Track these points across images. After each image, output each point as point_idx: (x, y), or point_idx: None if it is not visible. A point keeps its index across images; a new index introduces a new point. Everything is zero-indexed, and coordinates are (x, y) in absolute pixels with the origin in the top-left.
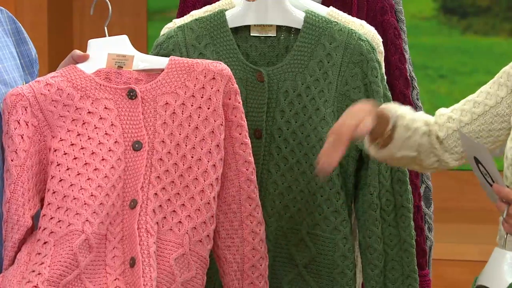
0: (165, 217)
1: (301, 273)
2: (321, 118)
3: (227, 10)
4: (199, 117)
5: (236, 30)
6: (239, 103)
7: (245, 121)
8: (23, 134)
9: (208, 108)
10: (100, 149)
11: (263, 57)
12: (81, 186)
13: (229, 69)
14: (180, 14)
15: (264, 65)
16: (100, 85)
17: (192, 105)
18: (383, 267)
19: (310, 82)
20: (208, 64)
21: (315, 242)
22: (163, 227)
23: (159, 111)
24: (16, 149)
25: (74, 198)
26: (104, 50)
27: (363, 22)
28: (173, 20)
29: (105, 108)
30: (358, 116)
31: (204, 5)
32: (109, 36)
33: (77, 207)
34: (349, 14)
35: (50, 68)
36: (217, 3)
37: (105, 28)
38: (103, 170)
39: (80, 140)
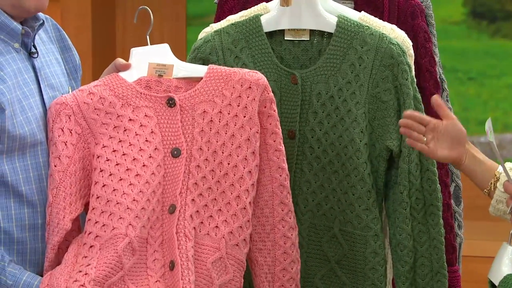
0: (202, 222)
1: (333, 269)
2: (353, 119)
3: (262, 15)
4: (235, 125)
5: (270, 34)
6: (274, 111)
7: (280, 129)
8: (66, 141)
9: (244, 117)
10: (141, 156)
11: (297, 60)
12: (123, 191)
13: (265, 78)
14: (218, 19)
15: (297, 68)
16: (141, 93)
17: (229, 113)
18: (413, 263)
19: (342, 85)
20: (245, 74)
21: (347, 239)
22: (200, 231)
23: (197, 119)
24: (59, 155)
25: (117, 203)
26: (146, 59)
27: (394, 27)
28: (211, 25)
29: (146, 115)
30: None
31: (241, 11)
32: (150, 42)
33: (120, 211)
34: (380, 18)
35: (94, 72)
36: (252, 8)
37: (147, 36)
38: (144, 176)
39: (122, 147)
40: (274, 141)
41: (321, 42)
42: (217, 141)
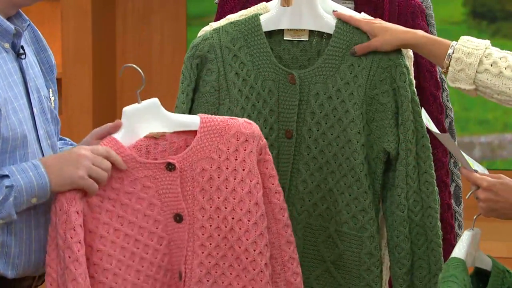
0: (215, 282)
1: (329, 269)
2: (350, 120)
3: (261, 14)
4: (235, 179)
5: (270, 33)
6: (269, 155)
7: (276, 172)
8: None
9: (243, 170)
10: (142, 235)
11: (295, 60)
12: (126, 278)
13: (258, 127)
14: (218, 19)
15: (296, 68)
16: (140, 163)
17: (227, 168)
18: (410, 265)
19: (341, 85)
20: (240, 127)
21: (342, 240)
22: None
23: (196, 178)
24: (74, 243)
25: None
26: (138, 118)
27: None
28: (210, 23)
29: (144, 186)
30: None
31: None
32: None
33: None
34: (381, 18)
35: (94, 72)
36: (252, 7)
37: (138, 94)
38: (147, 258)
39: (122, 225)
40: (273, 184)
41: (320, 42)
42: (218, 198)
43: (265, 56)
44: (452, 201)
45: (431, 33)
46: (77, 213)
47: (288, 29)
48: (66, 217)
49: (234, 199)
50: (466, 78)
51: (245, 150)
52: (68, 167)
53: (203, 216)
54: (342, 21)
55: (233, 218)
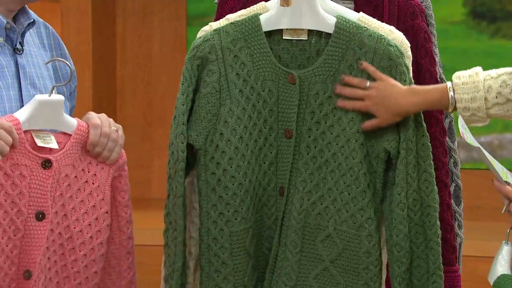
0: (58, 282)
1: (327, 268)
2: (350, 119)
3: (261, 14)
4: (85, 191)
5: (269, 33)
6: (124, 171)
7: (128, 186)
8: None
9: (93, 183)
10: (3, 219)
11: (295, 59)
12: None
13: (125, 157)
14: (218, 19)
15: (295, 68)
16: (26, 150)
17: (81, 179)
18: (409, 264)
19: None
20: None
21: (341, 239)
22: None
23: (60, 182)
24: None
25: None
26: (41, 109)
27: (392, 28)
28: (210, 23)
29: (20, 174)
30: None
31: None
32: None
33: None
34: (380, 18)
35: (94, 73)
36: (251, 7)
37: (51, 88)
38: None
39: None
40: (123, 198)
41: (319, 42)
42: (68, 205)
43: (265, 56)
44: (452, 201)
45: (431, 33)
46: None
47: (287, 29)
48: None
49: (80, 209)
50: (479, 119)
51: (97, 164)
52: None
53: (54, 220)
54: (341, 21)
55: (74, 228)
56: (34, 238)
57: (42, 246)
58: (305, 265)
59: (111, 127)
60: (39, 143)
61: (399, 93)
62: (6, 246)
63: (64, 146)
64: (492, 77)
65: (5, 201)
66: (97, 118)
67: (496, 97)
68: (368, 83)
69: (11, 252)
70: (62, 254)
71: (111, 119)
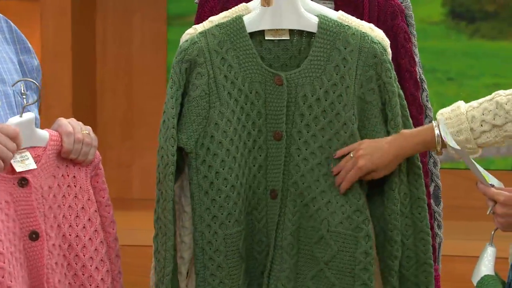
0: None
1: (323, 270)
2: (343, 123)
3: (244, 15)
4: (69, 196)
5: (251, 34)
6: (100, 169)
7: (106, 185)
8: None
9: (75, 186)
10: (4, 248)
11: (277, 59)
12: None
13: (100, 157)
14: (198, 19)
15: (278, 68)
16: (1, 177)
17: (63, 185)
18: (400, 257)
19: (328, 87)
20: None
21: (336, 240)
22: None
23: (45, 195)
24: None
25: None
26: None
27: (372, 25)
28: (193, 26)
29: (4, 201)
30: None
31: (221, 11)
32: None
33: None
34: (360, 18)
35: (73, 72)
36: (233, 8)
37: (21, 108)
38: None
39: None
40: (103, 198)
41: (300, 41)
42: (59, 215)
43: (251, 58)
44: (432, 201)
45: (411, 33)
46: None
47: (269, 29)
48: None
49: (71, 215)
50: (471, 151)
51: (74, 165)
52: None
53: (51, 234)
54: (324, 21)
55: (70, 235)
56: (34, 259)
57: (44, 265)
58: (302, 267)
59: (83, 131)
60: (18, 168)
61: (387, 142)
62: (17, 273)
63: (40, 159)
64: (474, 107)
65: (3, 228)
66: (69, 125)
67: (482, 125)
68: (351, 154)
69: (22, 278)
70: (69, 265)
71: (80, 122)
